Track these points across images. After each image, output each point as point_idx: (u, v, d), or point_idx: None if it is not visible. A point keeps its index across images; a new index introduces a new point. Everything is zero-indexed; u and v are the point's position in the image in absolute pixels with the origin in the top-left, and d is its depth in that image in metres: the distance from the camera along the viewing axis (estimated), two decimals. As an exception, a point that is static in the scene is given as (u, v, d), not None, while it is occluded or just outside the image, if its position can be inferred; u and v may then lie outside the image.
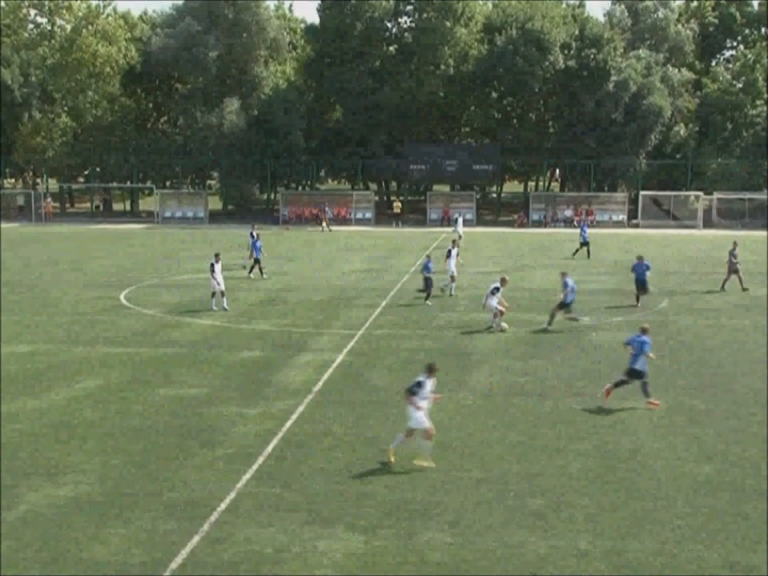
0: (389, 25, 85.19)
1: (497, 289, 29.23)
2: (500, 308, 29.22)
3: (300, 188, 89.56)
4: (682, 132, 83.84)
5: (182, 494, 15.25)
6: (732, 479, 16.05)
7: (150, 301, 35.35)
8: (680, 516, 14.40)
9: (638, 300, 34.31)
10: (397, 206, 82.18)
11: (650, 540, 13.51)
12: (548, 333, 29.15)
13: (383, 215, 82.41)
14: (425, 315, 32.51)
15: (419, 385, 16.31)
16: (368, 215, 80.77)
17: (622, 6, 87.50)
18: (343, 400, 21.03)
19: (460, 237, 57.37)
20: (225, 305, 33.00)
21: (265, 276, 41.70)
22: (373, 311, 33.24)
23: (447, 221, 77.64)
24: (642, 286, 34.33)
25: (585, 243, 51.74)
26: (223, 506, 14.71)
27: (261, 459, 16.93)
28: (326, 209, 76.45)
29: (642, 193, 79.61)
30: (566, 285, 29.56)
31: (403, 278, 42.50)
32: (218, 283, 32.90)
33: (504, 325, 29.27)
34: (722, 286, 38.58)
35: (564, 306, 29.65)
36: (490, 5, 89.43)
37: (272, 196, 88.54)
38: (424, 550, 13.18)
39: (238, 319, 31.49)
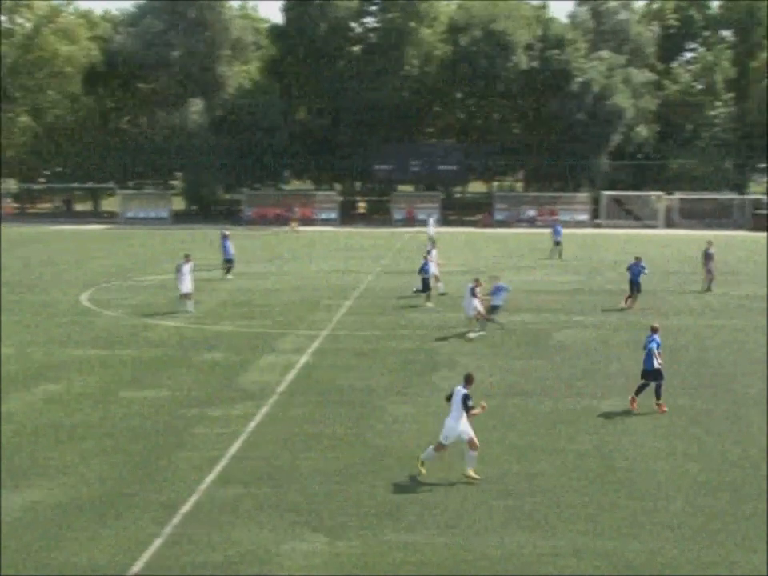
0: (353, 25, 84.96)
1: (472, 290, 28.33)
2: (480, 311, 28.26)
3: (264, 188, 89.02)
4: (643, 132, 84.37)
5: (149, 496, 14.91)
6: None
7: (120, 302, 34.78)
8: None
9: (626, 301, 33.77)
10: (361, 207, 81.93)
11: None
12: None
13: (348, 216, 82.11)
14: (400, 316, 32.32)
15: (468, 397, 15.67)
16: (333, 216, 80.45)
17: (585, 8, 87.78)
18: (313, 401, 20.72)
19: (431, 237, 57.15)
20: (189, 307, 32.23)
21: (229, 277, 41.25)
22: (341, 312, 32.99)
23: (412, 221, 77.68)
24: (635, 286, 33.75)
25: (557, 243, 51.85)
26: (187, 508, 14.41)
27: (227, 461, 16.61)
28: (295, 209, 76.10)
29: (604, 193, 79.99)
30: (497, 289, 29.04)
31: (372, 278, 42.28)
32: (185, 285, 32.23)
33: (471, 335, 28.00)
34: (708, 287, 38.42)
35: (494, 309, 29.03)
36: (453, 5, 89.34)
37: (236, 196, 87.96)
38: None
39: (206, 320, 31.05)
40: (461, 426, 15.64)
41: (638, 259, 34.16)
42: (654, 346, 19.73)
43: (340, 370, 23.90)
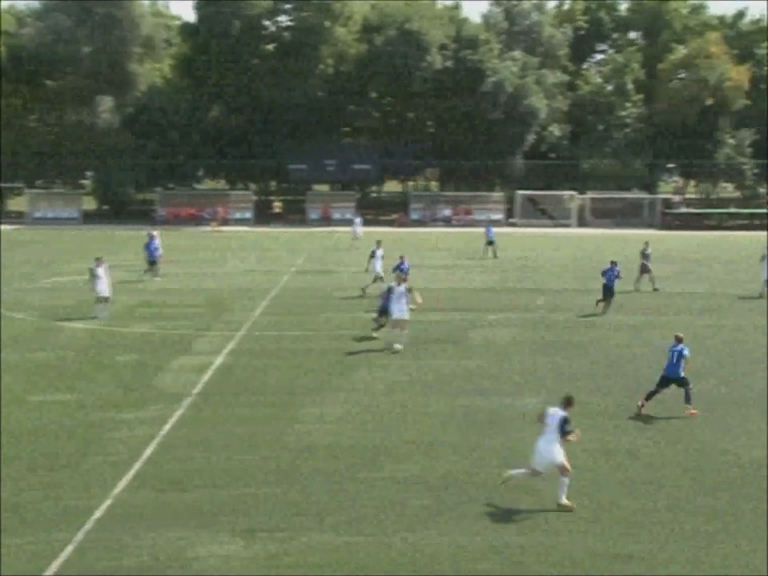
0: (267, 23, 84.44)
1: (390, 290, 26.50)
2: (404, 317, 26.25)
3: (178, 188, 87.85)
4: (556, 132, 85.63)
5: (60, 502, 14.61)
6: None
7: (29, 304, 33.93)
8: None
9: (597, 304, 32.93)
10: (277, 206, 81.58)
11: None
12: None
13: (263, 215, 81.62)
14: (316, 316, 32.23)
15: (567, 421, 14.76)
16: (247, 215, 79.85)
17: (499, 9, 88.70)
18: (225, 404, 20.52)
19: (357, 238, 57.28)
20: (102, 312, 30.99)
21: (146, 278, 40.61)
22: (257, 312, 32.78)
23: (327, 220, 77.68)
24: (608, 291, 32.87)
25: (491, 242, 52.36)
26: (100, 513, 14.16)
27: (141, 465, 16.36)
28: (217, 209, 75.56)
29: (519, 192, 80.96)
30: (389, 291, 26.85)
31: (287, 278, 42.14)
32: (100, 289, 31.08)
33: (398, 346, 25.89)
34: (637, 287, 38.25)
35: (383, 312, 27.28)
36: (367, 5, 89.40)
37: (149, 196, 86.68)
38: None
39: (120, 322, 30.49)
40: (554, 450, 14.72)
41: (613, 263, 33.35)
42: (685, 353, 19.80)
43: (256, 370, 23.75)
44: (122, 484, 15.39)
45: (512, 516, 14.27)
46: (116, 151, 78.28)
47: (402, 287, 26.42)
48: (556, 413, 14.93)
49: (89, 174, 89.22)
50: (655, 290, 38.24)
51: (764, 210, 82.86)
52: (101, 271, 31.04)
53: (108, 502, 14.57)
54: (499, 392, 21.66)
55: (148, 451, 17.07)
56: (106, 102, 78.25)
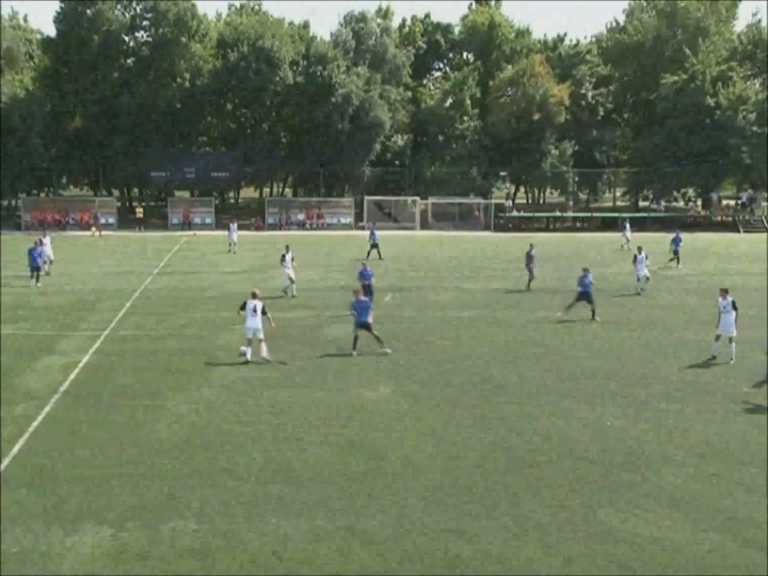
0: (126, 38, 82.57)
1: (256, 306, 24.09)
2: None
3: (42, 194, 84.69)
4: (400, 142, 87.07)
5: None
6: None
7: None
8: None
9: (566, 308, 31.11)
10: (139, 211, 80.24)
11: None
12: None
13: (126, 220, 79.86)
14: (179, 316, 31.94)
15: None
16: (111, 220, 78.00)
17: (348, 29, 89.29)
18: (91, 402, 20.07)
19: (233, 243, 56.61)
20: None
21: (38, 285, 39.08)
22: (122, 313, 32.36)
23: (188, 225, 76.98)
24: (587, 297, 30.81)
25: (375, 245, 52.60)
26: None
27: (7, 462, 15.87)
28: (97, 214, 73.84)
29: (367, 198, 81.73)
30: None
31: (151, 280, 41.55)
32: None
33: (244, 348, 23.95)
34: (528, 287, 37.68)
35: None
36: (223, 23, 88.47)
37: (13, 202, 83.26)
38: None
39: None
40: None
41: (586, 270, 31.17)
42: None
43: (121, 370, 23.33)
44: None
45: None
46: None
47: (256, 302, 24.13)
48: None
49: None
50: (529, 289, 37.42)
51: (585, 214, 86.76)
52: None
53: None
54: (350, 384, 21.87)
55: (15, 450, 16.57)
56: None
